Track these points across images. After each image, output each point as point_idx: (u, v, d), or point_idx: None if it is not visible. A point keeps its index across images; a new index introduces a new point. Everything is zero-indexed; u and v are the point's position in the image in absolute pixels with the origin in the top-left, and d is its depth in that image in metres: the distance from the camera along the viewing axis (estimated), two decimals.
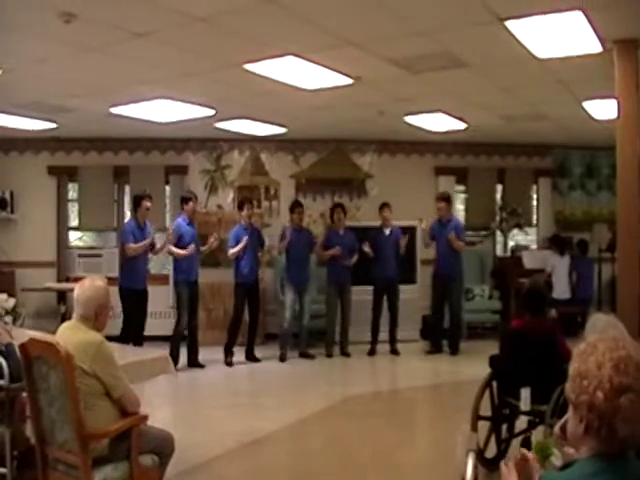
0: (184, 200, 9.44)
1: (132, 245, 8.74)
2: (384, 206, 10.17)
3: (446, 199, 10.24)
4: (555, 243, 11.55)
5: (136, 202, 9.05)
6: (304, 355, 10.00)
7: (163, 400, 7.99)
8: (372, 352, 10.19)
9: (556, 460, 2.98)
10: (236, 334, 9.63)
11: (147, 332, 9.04)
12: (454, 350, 10.19)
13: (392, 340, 10.13)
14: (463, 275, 10.44)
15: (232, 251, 9.44)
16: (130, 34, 5.79)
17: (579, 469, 1.83)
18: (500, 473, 2.06)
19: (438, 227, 10.20)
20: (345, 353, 10.14)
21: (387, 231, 10.14)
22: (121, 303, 8.95)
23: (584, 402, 1.81)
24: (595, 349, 1.86)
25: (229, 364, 9.50)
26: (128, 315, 8.96)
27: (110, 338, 6.58)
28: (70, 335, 3.80)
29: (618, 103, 6.19)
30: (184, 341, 9.31)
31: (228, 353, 9.56)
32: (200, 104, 8.68)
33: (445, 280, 10.14)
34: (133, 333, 8.76)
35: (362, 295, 10.27)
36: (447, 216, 10.21)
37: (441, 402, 8.31)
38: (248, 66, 6.82)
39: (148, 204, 8.99)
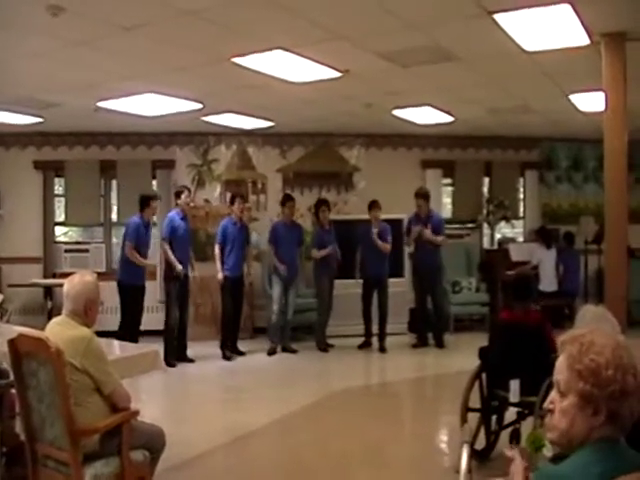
0: (177, 194, 9.46)
1: (137, 257, 8.93)
2: (374, 206, 10.04)
3: (424, 196, 10.18)
4: (541, 235, 11.58)
5: (144, 202, 9.12)
6: (287, 350, 10.00)
7: (153, 395, 7.97)
8: (366, 344, 10.18)
9: (547, 451, 2.99)
10: (228, 328, 9.64)
11: None
12: (439, 343, 10.20)
13: (381, 337, 10.10)
14: (443, 268, 10.46)
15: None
16: (118, 28, 5.74)
17: (579, 459, 1.83)
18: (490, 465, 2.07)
19: (416, 222, 10.19)
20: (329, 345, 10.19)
21: (375, 230, 9.99)
22: (120, 298, 8.98)
23: (614, 391, 1.82)
24: (594, 341, 1.88)
25: (228, 359, 9.50)
26: (126, 310, 8.98)
27: (107, 334, 6.65)
28: (60, 331, 3.78)
29: (605, 96, 6.20)
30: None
31: (225, 348, 9.57)
32: (187, 98, 8.64)
33: (426, 274, 10.14)
34: (130, 328, 8.78)
35: (350, 289, 10.27)
36: (426, 212, 10.19)
37: (428, 395, 8.37)
38: (236, 60, 6.78)
39: (156, 205, 9.23)
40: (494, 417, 5.38)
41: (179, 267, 9.09)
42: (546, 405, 1.99)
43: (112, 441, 3.70)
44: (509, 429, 5.46)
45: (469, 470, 2.74)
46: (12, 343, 3.72)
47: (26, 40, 6.15)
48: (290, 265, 9.86)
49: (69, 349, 3.59)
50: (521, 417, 5.25)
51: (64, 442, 3.53)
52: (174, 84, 7.93)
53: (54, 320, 4.01)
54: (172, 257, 9.12)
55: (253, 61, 6.85)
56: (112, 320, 9.29)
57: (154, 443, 3.96)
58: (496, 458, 5.33)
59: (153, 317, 9.63)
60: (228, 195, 10.59)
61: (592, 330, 1.94)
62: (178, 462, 5.26)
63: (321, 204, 10.33)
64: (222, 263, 9.51)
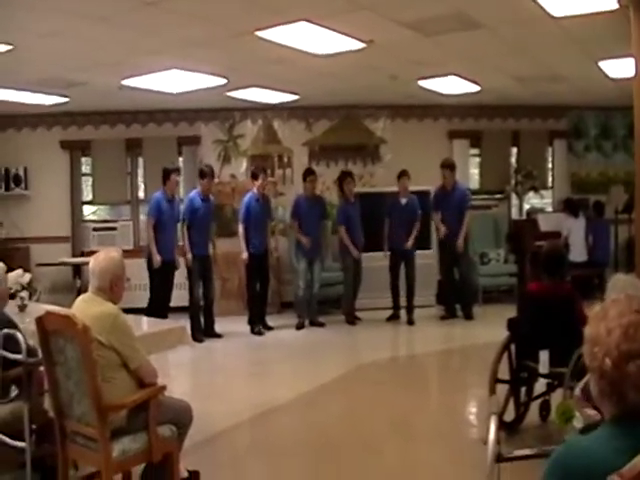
0: (201, 174, 9.43)
1: (151, 236, 8.96)
2: (403, 175, 9.99)
3: (450, 166, 10.15)
4: (568, 206, 11.46)
5: (165, 175, 9.15)
6: (314, 323, 10.00)
7: (180, 371, 8.04)
8: (394, 317, 10.17)
9: (577, 422, 2.96)
10: (255, 305, 9.66)
11: None
12: (468, 315, 10.17)
13: (409, 310, 10.07)
14: (469, 240, 10.38)
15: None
16: (139, 3, 5.70)
17: (602, 432, 1.80)
18: None
19: (442, 194, 10.14)
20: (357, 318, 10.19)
21: (404, 201, 10.03)
22: (149, 275, 9.01)
23: (595, 368, 1.77)
24: (606, 314, 1.80)
25: (257, 333, 9.53)
26: (155, 287, 9.02)
27: (136, 310, 6.69)
28: (86, 308, 3.80)
29: (635, 61, 6.07)
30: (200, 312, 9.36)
31: (254, 324, 9.60)
32: (211, 73, 8.61)
33: (452, 246, 10.06)
34: (160, 305, 8.83)
35: (376, 261, 10.24)
36: (452, 183, 10.13)
37: (456, 367, 8.35)
38: (260, 33, 6.72)
39: (177, 178, 9.29)
40: (523, 389, 5.33)
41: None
42: None
43: (139, 417, 3.71)
44: (539, 400, 5.45)
45: (497, 442, 2.71)
46: (40, 321, 3.73)
47: (47, 19, 6.13)
48: (314, 239, 9.84)
49: (95, 325, 3.60)
50: (551, 388, 5.22)
51: (92, 418, 3.54)
52: (198, 59, 7.89)
53: (80, 297, 4.02)
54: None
55: (277, 34, 6.78)
56: (141, 297, 9.38)
57: (181, 418, 3.96)
58: (525, 430, 5.31)
59: (183, 294, 9.65)
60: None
61: (616, 300, 1.88)
62: (205, 437, 5.28)
63: (345, 176, 10.28)
64: (247, 242, 9.50)
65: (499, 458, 2.68)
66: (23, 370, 4.00)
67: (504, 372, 5.19)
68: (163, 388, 3.86)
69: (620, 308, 1.80)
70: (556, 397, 4.97)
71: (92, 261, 3.91)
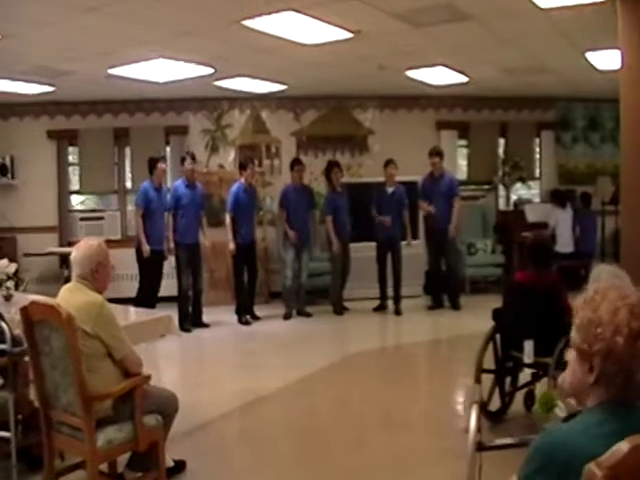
0: (181, 161, 9.47)
1: (140, 226, 8.97)
2: (389, 163, 10.03)
3: (439, 154, 10.16)
4: (555, 197, 11.50)
5: (152, 165, 9.15)
6: (302, 314, 10.02)
7: (168, 360, 8.05)
8: (382, 307, 10.19)
9: (560, 411, 2.99)
10: (243, 296, 9.67)
11: None
12: (455, 305, 10.20)
13: (396, 300, 10.09)
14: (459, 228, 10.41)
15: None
16: None
17: (584, 419, 1.82)
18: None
19: (430, 183, 10.16)
20: (344, 308, 10.21)
21: (390, 189, 10.04)
22: (137, 264, 9.01)
23: (600, 350, 1.79)
24: (605, 296, 1.84)
25: (245, 323, 9.55)
26: (144, 277, 9.01)
27: (124, 300, 6.68)
28: (71, 297, 3.79)
29: (621, 53, 6.09)
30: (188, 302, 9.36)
31: (241, 314, 9.61)
32: (199, 63, 8.57)
33: (440, 235, 10.08)
34: (148, 295, 8.85)
35: (365, 252, 10.25)
36: (440, 171, 10.15)
37: (443, 357, 8.37)
38: (247, 22, 6.71)
39: (164, 166, 9.28)
40: (508, 378, 5.36)
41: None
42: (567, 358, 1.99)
43: (125, 406, 3.71)
44: (524, 390, 5.48)
45: (478, 430, 2.73)
46: (24, 311, 3.72)
47: (35, 9, 6.10)
48: (301, 229, 9.85)
49: (80, 315, 3.60)
50: (535, 378, 5.25)
51: (77, 408, 3.54)
52: (185, 49, 7.87)
53: (65, 287, 4.01)
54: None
55: (264, 23, 6.77)
56: (129, 287, 9.37)
57: (166, 407, 3.98)
58: (510, 419, 5.34)
59: (170, 283, 9.65)
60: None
61: (609, 286, 1.91)
62: (192, 426, 5.30)
63: (333, 166, 10.27)
64: (234, 232, 9.49)
65: (480, 447, 2.71)
66: (8, 360, 4.00)
67: (490, 362, 5.22)
68: (148, 378, 3.86)
69: (619, 292, 1.85)
70: (541, 387, 5.01)
71: (73, 251, 3.93)
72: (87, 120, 11.57)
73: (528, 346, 4.81)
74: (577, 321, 1.86)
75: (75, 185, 11.95)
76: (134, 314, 5.51)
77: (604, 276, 4.13)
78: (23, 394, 4.17)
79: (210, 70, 8.95)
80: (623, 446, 1.58)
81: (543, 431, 1.90)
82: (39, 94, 10.12)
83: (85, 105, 11.47)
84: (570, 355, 1.91)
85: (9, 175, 11.23)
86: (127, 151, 11.80)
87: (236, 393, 6.48)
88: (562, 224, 11.16)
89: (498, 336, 5.23)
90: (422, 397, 6.78)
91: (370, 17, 6.74)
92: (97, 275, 3.88)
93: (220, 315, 9.69)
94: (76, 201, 12.26)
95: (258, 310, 9.90)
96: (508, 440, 2.98)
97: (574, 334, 1.87)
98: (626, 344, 1.76)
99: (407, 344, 8.80)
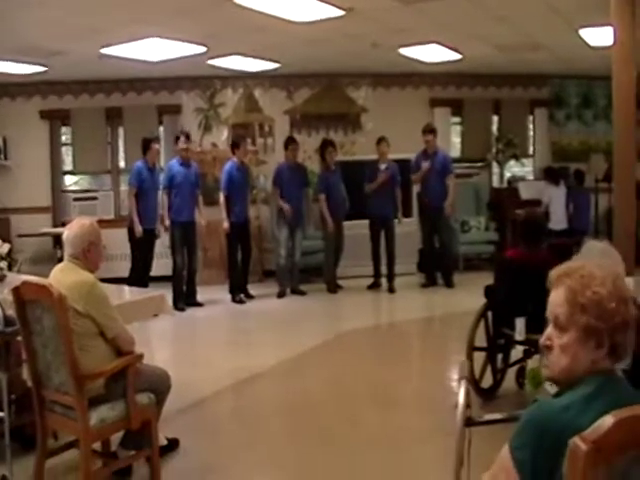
0: (175, 140, 9.48)
1: (133, 206, 8.95)
2: (381, 140, 10.03)
3: (433, 131, 10.14)
4: (549, 174, 11.50)
5: (145, 145, 9.12)
6: (296, 292, 10.04)
7: (162, 339, 8.07)
8: (375, 285, 10.20)
9: (550, 387, 3.00)
10: (237, 274, 9.68)
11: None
12: (448, 282, 10.21)
13: (390, 278, 10.10)
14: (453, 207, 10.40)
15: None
16: None
17: (581, 391, 1.82)
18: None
19: (424, 160, 10.13)
20: (338, 286, 10.22)
21: (383, 166, 10.03)
22: (130, 243, 9.00)
23: (618, 323, 1.83)
24: (594, 274, 1.88)
25: (238, 302, 9.55)
26: (136, 256, 9.01)
27: (117, 280, 6.68)
28: (63, 276, 3.80)
29: (614, 29, 6.08)
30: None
31: (235, 293, 9.62)
32: (191, 41, 8.52)
33: (434, 213, 10.08)
34: (141, 274, 8.85)
35: (358, 229, 10.26)
36: (433, 149, 10.14)
37: (437, 334, 8.41)
38: (239, 0, 6.67)
39: (157, 147, 9.29)
40: (500, 355, 5.39)
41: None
42: (542, 342, 1.99)
43: (117, 385, 3.73)
44: (515, 367, 5.51)
45: (467, 405, 2.75)
46: (16, 291, 3.72)
47: None
48: (295, 207, 9.85)
49: (72, 294, 3.60)
50: (527, 355, 5.27)
51: (69, 387, 3.55)
52: (177, 27, 7.81)
53: (57, 266, 4.01)
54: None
55: (256, 1, 6.71)
56: (122, 267, 9.35)
57: (159, 385, 3.99)
58: (502, 396, 5.37)
59: (164, 263, 9.66)
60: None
61: (587, 263, 1.93)
62: (185, 405, 5.33)
63: (327, 145, 10.27)
64: (228, 211, 9.48)
65: (469, 422, 2.72)
66: (0, 340, 4.00)
67: (482, 339, 5.24)
68: (140, 356, 3.87)
69: (601, 266, 1.93)
70: (533, 364, 5.03)
71: (65, 231, 3.93)
72: (80, 100, 11.51)
73: (519, 323, 4.83)
74: (582, 301, 1.86)
75: (68, 165, 11.93)
76: (127, 293, 5.51)
77: (595, 252, 4.14)
78: (16, 374, 4.19)
79: (202, 49, 8.89)
80: (608, 420, 1.58)
81: (534, 402, 1.90)
82: (31, 74, 10.05)
83: (77, 85, 11.40)
84: (565, 339, 1.90)
85: (2, 156, 11.20)
86: (120, 131, 11.77)
87: (229, 371, 6.50)
88: (555, 201, 11.16)
89: (490, 313, 5.25)
90: (415, 375, 6.82)
91: None
92: (89, 255, 3.87)
93: (214, 294, 9.71)
94: (69, 181, 12.25)
95: (252, 289, 9.90)
96: (497, 415, 2.99)
97: (577, 316, 1.86)
98: (630, 311, 1.85)
99: (400, 322, 8.83)
